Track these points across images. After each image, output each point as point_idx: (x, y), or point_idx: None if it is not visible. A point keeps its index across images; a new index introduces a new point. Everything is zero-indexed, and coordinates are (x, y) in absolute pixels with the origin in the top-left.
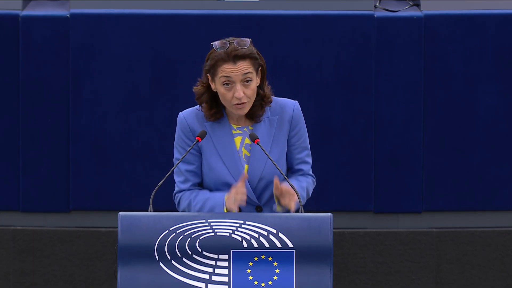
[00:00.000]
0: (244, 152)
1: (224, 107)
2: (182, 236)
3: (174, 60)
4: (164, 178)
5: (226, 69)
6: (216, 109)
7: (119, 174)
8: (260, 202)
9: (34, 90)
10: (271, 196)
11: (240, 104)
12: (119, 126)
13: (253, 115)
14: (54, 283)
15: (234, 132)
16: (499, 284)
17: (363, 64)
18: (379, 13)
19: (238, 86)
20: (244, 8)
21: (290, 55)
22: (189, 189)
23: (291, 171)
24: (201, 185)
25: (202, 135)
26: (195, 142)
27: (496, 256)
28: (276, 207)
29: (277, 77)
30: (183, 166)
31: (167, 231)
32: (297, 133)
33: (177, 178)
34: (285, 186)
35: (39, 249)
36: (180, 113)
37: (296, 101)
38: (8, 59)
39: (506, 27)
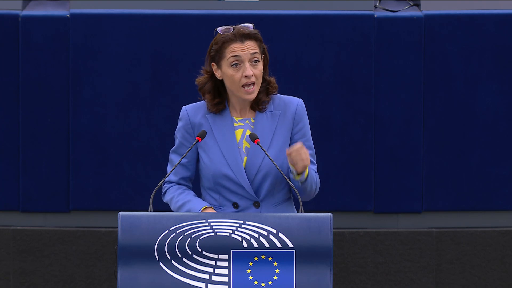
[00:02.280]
0: (245, 144)
1: (227, 98)
2: (182, 236)
3: (174, 60)
4: (164, 178)
5: (235, 48)
6: (219, 99)
7: (119, 174)
8: (258, 196)
9: (34, 90)
10: (270, 191)
11: (250, 85)
12: (119, 126)
13: (259, 102)
14: (54, 283)
15: (235, 124)
16: (499, 284)
17: (363, 64)
18: (379, 13)
19: (247, 65)
20: (244, 8)
21: (290, 55)
22: (178, 183)
23: None
24: (191, 179)
25: (202, 135)
26: (195, 142)
27: (496, 256)
28: (294, 176)
29: (277, 77)
30: (176, 158)
31: (167, 231)
32: (300, 130)
33: (169, 169)
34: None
35: (39, 249)
36: (184, 106)
37: (300, 98)
38: (8, 59)
39: (506, 27)
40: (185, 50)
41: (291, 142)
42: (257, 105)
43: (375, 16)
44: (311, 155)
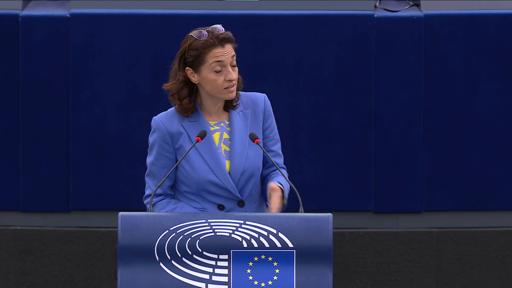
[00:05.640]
0: (224, 147)
1: (198, 102)
2: (182, 236)
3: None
4: (164, 178)
5: (218, 53)
6: (194, 102)
7: (119, 174)
8: (242, 196)
9: (34, 90)
10: (253, 190)
11: (232, 87)
12: (119, 126)
13: (232, 100)
14: (54, 283)
15: (212, 129)
16: (499, 284)
17: (363, 64)
18: (379, 13)
19: (230, 69)
20: (244, 8)
21: (290, 55)
22: (164, 195)
23: (267, 165)
24: (173, 187)
25: (202, 135)
26: (195, 142)
27: (496, 256)
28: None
29: (277, 77)
30: (158, 171)
31: (167, 231)
32: (270, 125)
33: (150, 181)
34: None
35: (39, 249)
36: (154, 117)
37: (264, 94)
38: (8, 59)
39: (506, 27)
40: None
41: (262, 137)
42: (231, 103)
43: (375, 16)
44: (279, 148)
